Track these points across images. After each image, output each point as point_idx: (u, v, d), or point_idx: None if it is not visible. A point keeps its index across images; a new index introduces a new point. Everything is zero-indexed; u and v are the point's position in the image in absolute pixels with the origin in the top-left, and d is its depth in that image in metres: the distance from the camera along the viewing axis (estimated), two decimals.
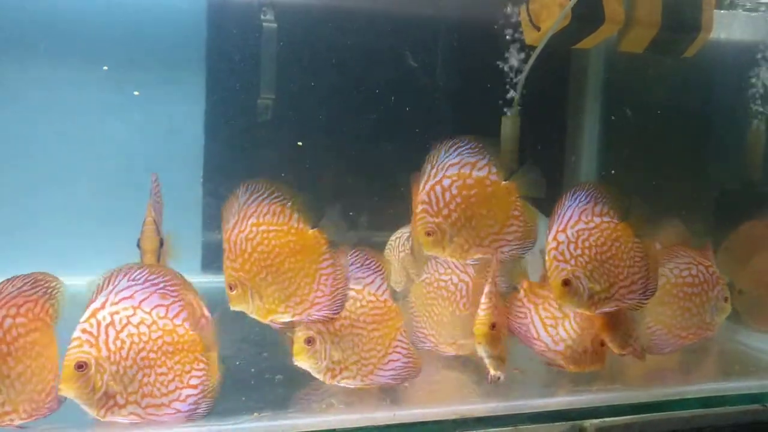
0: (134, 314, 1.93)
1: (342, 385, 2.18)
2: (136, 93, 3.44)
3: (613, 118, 4.08)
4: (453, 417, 2.13)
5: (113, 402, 1.88)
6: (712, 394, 2.43)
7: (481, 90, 3.75)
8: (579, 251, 2.27)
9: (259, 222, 2.16)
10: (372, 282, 2.23)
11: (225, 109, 3.61)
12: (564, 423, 2.20)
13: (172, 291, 1.99)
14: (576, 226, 2.29)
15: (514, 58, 3.60)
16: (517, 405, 2.23)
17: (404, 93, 3.74)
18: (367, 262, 2.23)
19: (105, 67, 3.41)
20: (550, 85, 3.93)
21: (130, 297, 1.94)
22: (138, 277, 1.97)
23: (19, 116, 3.33)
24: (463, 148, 2.38)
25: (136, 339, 1.91)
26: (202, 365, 2.01)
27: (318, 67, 3.67)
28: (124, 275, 1.96)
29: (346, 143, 3.74)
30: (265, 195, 2.20)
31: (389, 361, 2.22)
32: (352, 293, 2.18)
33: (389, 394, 2.26)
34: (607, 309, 2.31)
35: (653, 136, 4.00)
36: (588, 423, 2.22)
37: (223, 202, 3.59)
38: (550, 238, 2.28)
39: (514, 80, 3.59)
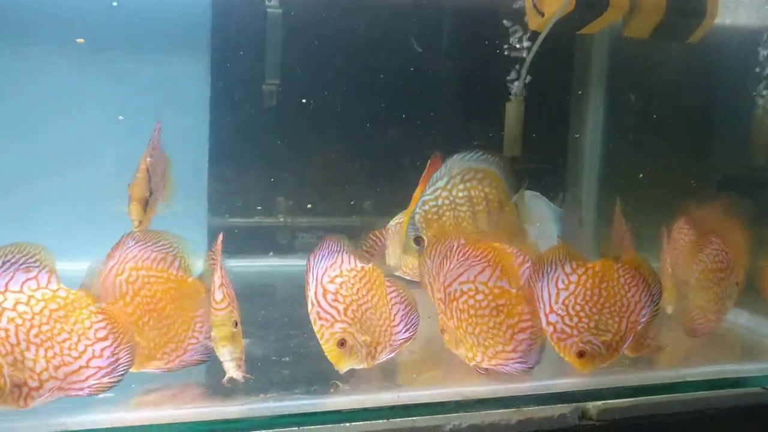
0: (5, 300, 1.86)
1: (382, 360, 2.21)
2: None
3: (617, 103, 4.08)
4: (456, 398, 2.15)
5: (27, 389, 1.83)
6: (714, 377, 2.45)
7: (486, 75, 3.76)
8: (576, 319, 2.25)
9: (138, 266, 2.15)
10: (342, 261, 2.21)
11: (230, 94, 3.62)
12: (567, 405, 2.22)
13: (33, 262, 1.91)
14: (559, 299, 2.26)
15: (518, 44, 3.61)
16: (521, 387, 2.25)
17: (410, 78, 3.75)
18: (326, 248, 2.20)
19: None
20: (555, 70, 3.93)
21: None
22: None
23: (23, 102, 3.34)
24: None
25: (19, 321, 1.85)
26: (101, 316, 1.95)
27: (323, 52, 3.68)
28: None
29: (351, 128, 3.75)
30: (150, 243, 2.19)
31: (394, 315, 2.24)
32: (339, 279, 2.17)
33: (393, 375, 2.29)
34: (629, 343, 2.31)
35: (657, 121, 4.00)
36: (591, 405, 2.23)
37: (228, 186, 3.64)
38: (544, 324, 2.25)
39: (519, 66, 3.60)
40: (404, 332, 2.24)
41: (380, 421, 2.05)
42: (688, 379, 2.42)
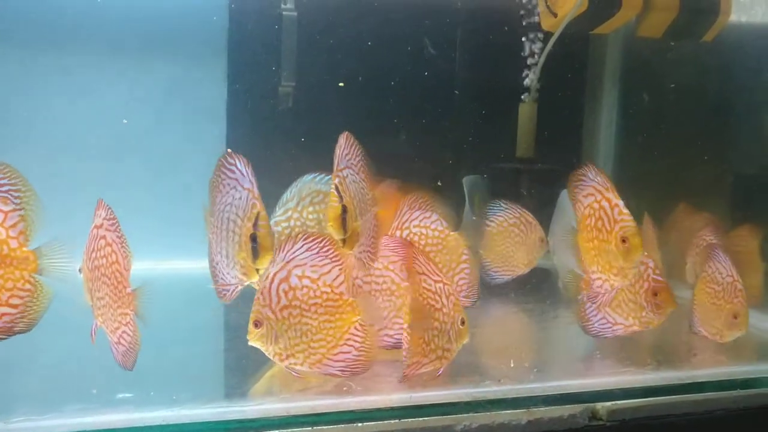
0: None
1: (295, 370, 2.18)
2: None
3: (631, 103, 4.08)
4: (467, 399, 2.19)
5: None
6: (723, 378, 2.47)
7: (500, 77, 3.78)
8: None
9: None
10: (329, 272, 2.16)
11: (246, 97, 3.67)
12: (577, 405, 2.24)
13: (15, 198, 1.89)
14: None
15: (532, 45, 3.62)
16: (531, 388, 2.29)
17: (423, 80, 3.77)
18: (325, 250, 2.15)
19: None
20: (568, 71, 3.93)
21: None
22: None
23: (42, 104, 3.40)
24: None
25: None
26: (28, 285, 1.94)
27: (338, 54, 3.71)
28: None
29: (367, 131, 3.76)
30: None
31: (339, 353, 2.17)
32: (306, 281, 2.13)
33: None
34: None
35: (671, 121, 4.00)
36: (600, 405, 2.25)
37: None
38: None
39: (532, 67, 3.62)
40: (338, 369, 2.18)
41: (392, 421, 2.08)
42: (698, 380, 2.44)
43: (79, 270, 2.16)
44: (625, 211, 2.44)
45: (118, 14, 3.45)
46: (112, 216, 2.11)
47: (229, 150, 2.22)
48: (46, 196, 3.29)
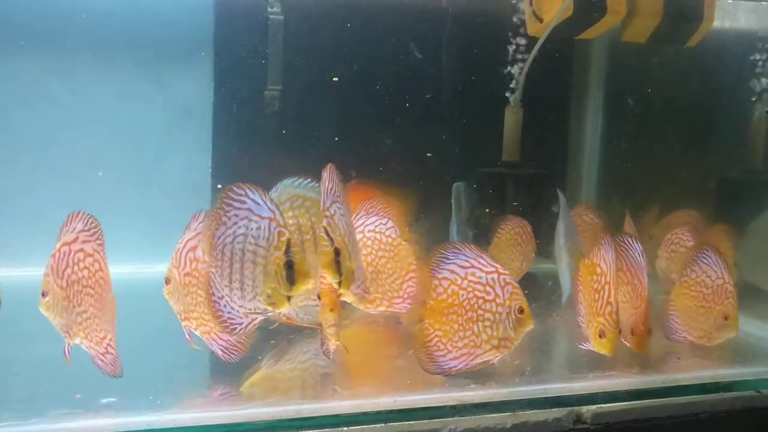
0: None
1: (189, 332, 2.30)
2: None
3: (615, 107, 4.12)
4: (452, 403, 2.19)
5: None
6: (708, 380, 2.48)
7: (486, 81, 3.79)
8: None
9: None
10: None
11: (233, 100, 3.66)
12: (562, 409, 2.26)
13: None
14: None
15: (518, 49, 3.64)
16: (516, 391, 2.29)
17: (409, 84, 3.78)
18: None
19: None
20: (554, 75, 3.96)
21: None
22: None
23: (28, 106, 3.40)
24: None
25: None
26: None
27: (324, 58, 3.71)
28: None
29: (353, 134, 3.78)
30: None
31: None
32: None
33: (391, 381, 2.33)
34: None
35: (655, 125, 4.03)
36: (585, 409, 2.27)
37: None
38: None
39: (518, 71, 3.63)
40: (219, 348, 2.26)
41: (378, 425, 2.09)
42: (682, 383, 2.45)
43: (43, 294, 2.13)
44: (615, 316, 2.42)
45: (106, 17, 3.43)
46: (91, 225, 2.12)
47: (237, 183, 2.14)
48: (30, 198, 3.35)
